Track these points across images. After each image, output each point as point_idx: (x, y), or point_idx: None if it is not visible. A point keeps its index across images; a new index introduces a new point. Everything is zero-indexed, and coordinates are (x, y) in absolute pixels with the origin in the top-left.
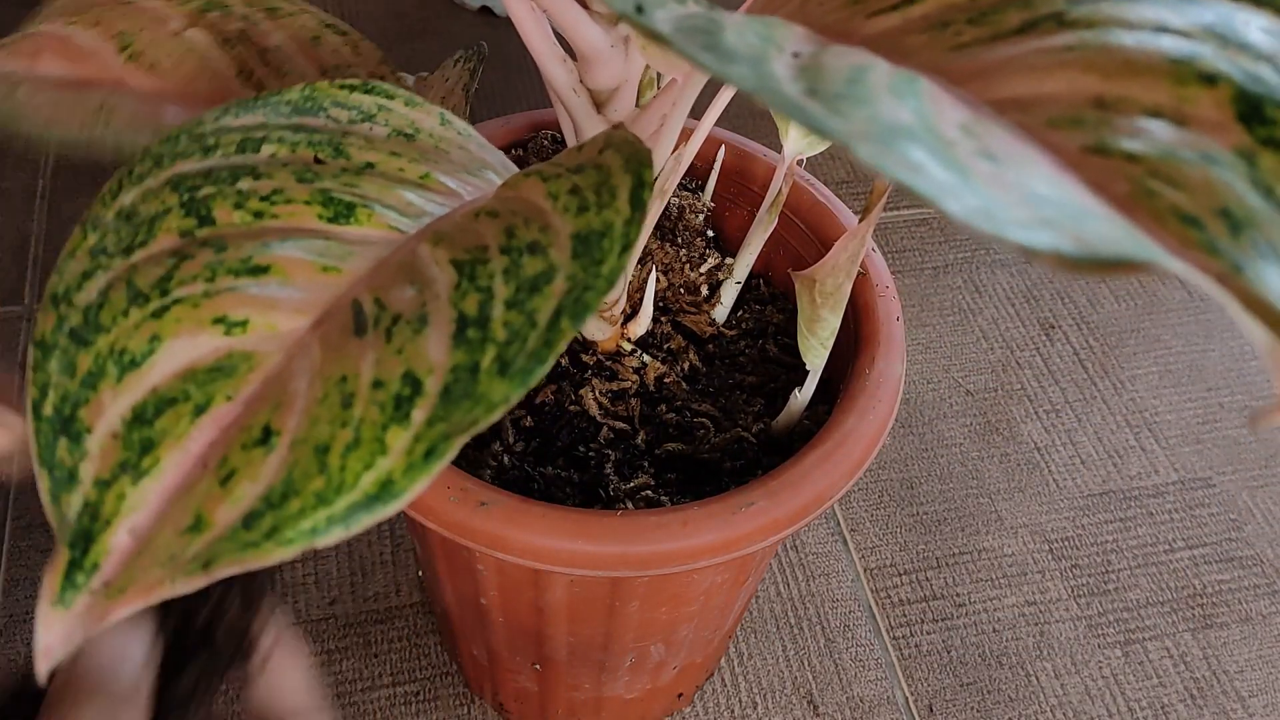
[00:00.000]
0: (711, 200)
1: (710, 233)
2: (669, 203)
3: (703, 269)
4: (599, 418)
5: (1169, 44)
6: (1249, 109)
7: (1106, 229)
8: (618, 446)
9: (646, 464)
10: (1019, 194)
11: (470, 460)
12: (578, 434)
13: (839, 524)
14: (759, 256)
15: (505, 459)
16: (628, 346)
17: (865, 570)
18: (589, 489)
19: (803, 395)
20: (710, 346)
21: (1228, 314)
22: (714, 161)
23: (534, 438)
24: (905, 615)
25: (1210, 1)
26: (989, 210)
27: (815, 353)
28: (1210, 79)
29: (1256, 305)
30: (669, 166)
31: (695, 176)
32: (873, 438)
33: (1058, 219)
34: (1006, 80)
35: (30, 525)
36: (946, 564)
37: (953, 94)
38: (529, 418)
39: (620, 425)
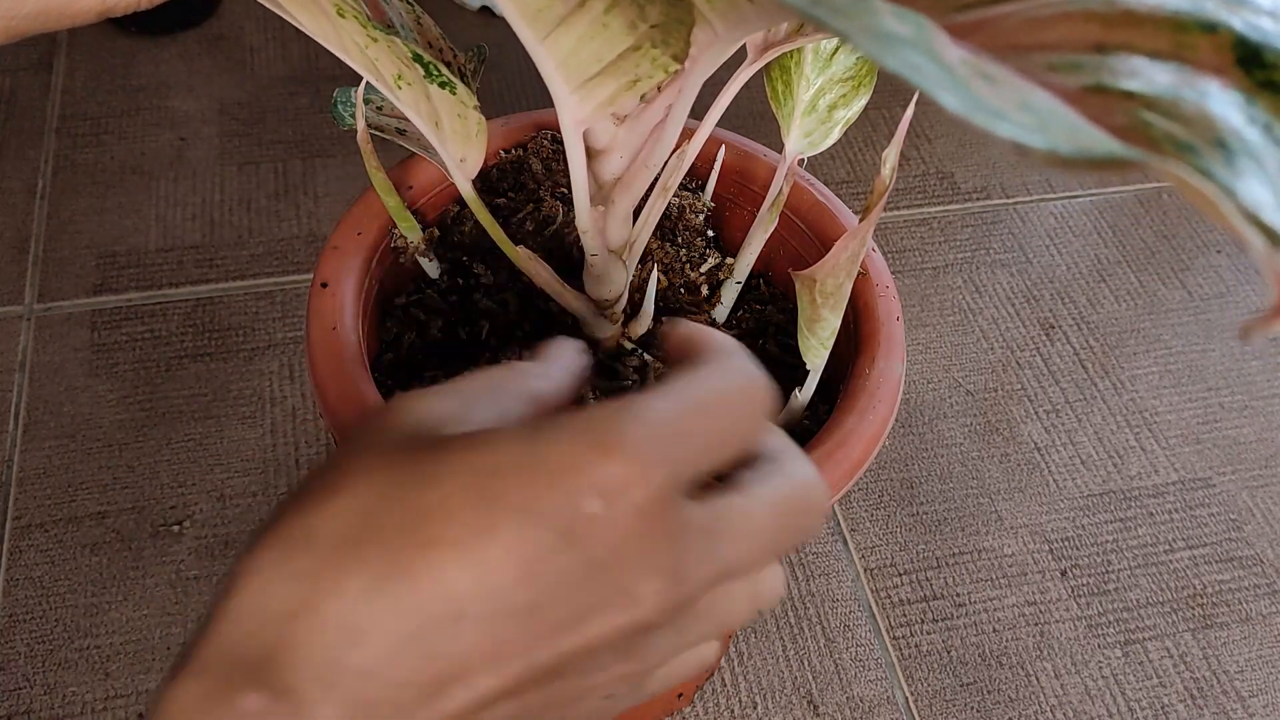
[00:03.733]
0: (711, 200)
1: (710, 233)
2: (670, 202)
3: (703, 269)
4: None
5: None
6: (1248, 54)
7: (1101, 139)
8: None
9: None
10: (1017, 104)
11: None
12: None
13: (839, 524)
14: (759, 256)
15: None
16: (629, 345)
17: (865, 570)
18: None
19: (803, 395)
20: None
21: (1226, 225)
22: (714, 161)
23: None
24: (905, 615)
25: None
26: (986, 107)
27: (815, 352)
28: (1211, 27)
29: (1252, 220)
30: (672, 164)
31: (696, 176)
32: (873, 438)
33: (1053, 127)
34: (1007, 32)
35: (30, 525)
36: (946, 564)
37: (954, 42)
38: None
39: None
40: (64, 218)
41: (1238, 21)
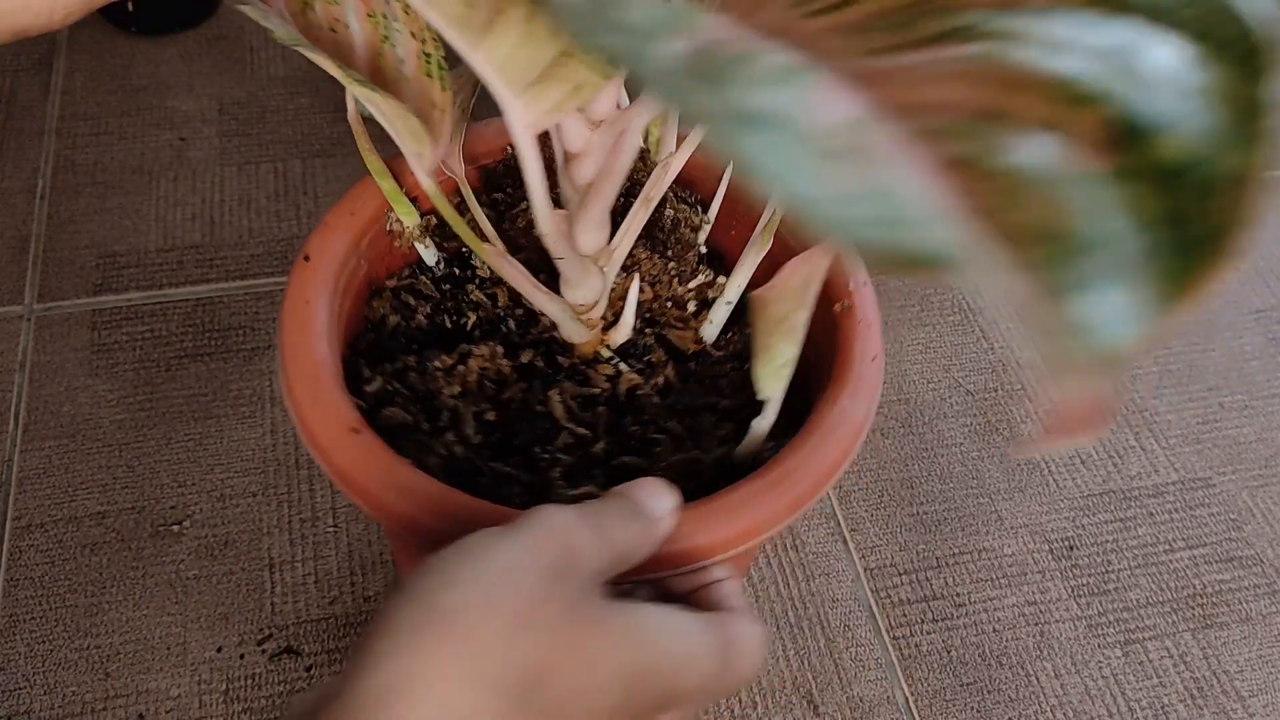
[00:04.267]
0: (718, 216)
1: (704, 249)
2: (667, 214)
3: (691, 285)
4: (563, 421)
5: (1065, 62)
6: (1124, 132)
7: (942, 234)
8: (574, 452)
9: (599, 473)
10: (867, 189)
11: (420, 446)
12: (537, 434)
13: (839, 524)
14: (755, 278)
15: (458, 449)
16: (606, 353)
17: (865, 570)
18: (537, 490)
19: (762, 424)
20: (692, 364)
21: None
22: (720, 178)
23: (494, 432)
24: (905, 615)
25: (1127, 23)
26: (818, 201)
27: (768, 381)
28: (1092, 100)
29: (1061, 330)
30: (655, 174)
31: (697, 191)
32: (822, 475)
33: (894, 219)
34: (908, 87)
35: (30, 525)
36: (946, 564)
37: (853, 94)
38: (493, 412)
39: (582, 431)
40: (64, 218)
41: (1123, 95)
